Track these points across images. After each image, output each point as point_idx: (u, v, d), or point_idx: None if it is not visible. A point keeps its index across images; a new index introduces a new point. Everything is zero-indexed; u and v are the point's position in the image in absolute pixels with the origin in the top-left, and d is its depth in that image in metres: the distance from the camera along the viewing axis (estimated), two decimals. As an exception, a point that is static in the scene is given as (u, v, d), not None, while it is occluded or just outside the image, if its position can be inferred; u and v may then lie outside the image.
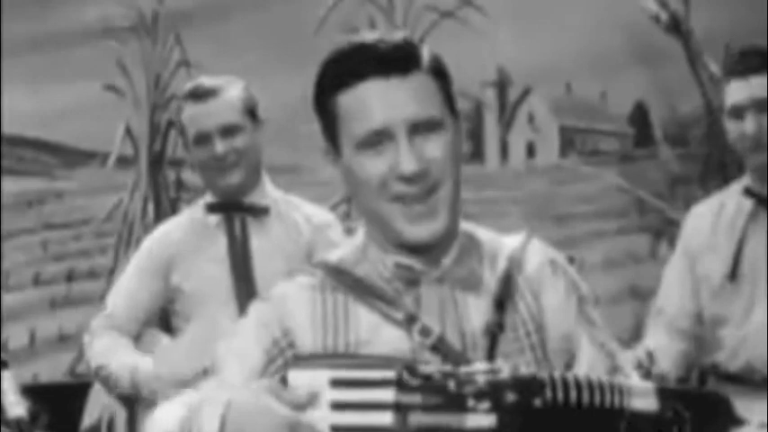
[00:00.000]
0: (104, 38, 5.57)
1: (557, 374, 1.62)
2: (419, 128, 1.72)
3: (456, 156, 1.76)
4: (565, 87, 5.47)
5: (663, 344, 3.24)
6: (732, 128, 3.13)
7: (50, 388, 4.97)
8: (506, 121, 5.40)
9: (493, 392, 1.57)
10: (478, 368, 1.61)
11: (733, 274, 3.17)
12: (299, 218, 3.34)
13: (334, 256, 1.84)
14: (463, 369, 1.61)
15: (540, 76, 5.38)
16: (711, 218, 3.27)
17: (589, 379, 1.63)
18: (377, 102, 1.70)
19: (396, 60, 1.71)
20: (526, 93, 5.46)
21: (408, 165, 1.69)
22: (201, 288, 3.28)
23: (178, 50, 5.62)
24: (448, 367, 1.62)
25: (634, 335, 4.87)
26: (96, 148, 5.71)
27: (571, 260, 5.11)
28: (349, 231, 3.30)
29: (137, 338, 3.35)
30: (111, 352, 3.26)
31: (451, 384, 1.58)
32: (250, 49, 5.31)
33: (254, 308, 1.83)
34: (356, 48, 1.73)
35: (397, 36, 1.75)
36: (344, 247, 1.86)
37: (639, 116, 5.38)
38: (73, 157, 5.76)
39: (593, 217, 5.39)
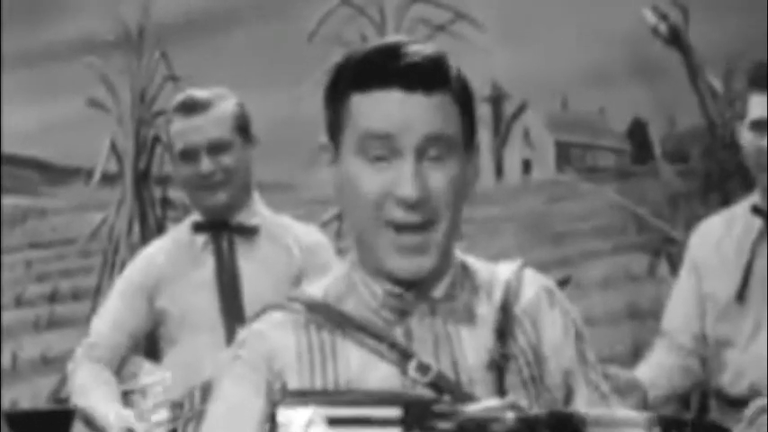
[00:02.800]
0: (88, 52, 5.50)
1: (591, 411, 1.53)
2: (429, 151, 1.60)
3: (462, 190, 1.62)
4: (561, 102, 5.46)
5: (660, 360, 3.17)
6: (750, 141, 3.04)
7: (32, 415, 4.87)
8: (501, 137, 5.39)
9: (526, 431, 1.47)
10: (495, 405, 1.50)
11: (740, 295, 3.10)
12: (289, 239, 3.22)
13: (317, 288, 1.71)
14: (473, 407, 1.50)
15: (535, 90, 5.37)
16: (719, 235, 3.19)
17: (619, 415, 1.54)
18: (393, 110, 1.59)
19: (423, 75, 1.59)
20: (521, 108, 5.45)
21: (410, 189, 1.57)
22: (188, 312, 3.16)
23: (164, 65, 5.55)
24: (457, 404, 1.51)
25: (632, 355, 4.85)
26: (80, 164, 5.68)
27: (566, 281, 5.01)
28: (340, 251, 3.19)
29: (121, 364, 3.24)
30: (89, 391, 3.14)
31: (470, 424, 1.46)
32: (238, 63, 5.27)
33: (236, 358, 1.68)
34: (385, 51, 1.61)
35: (430, 49, 1.62)
36: (330, 275, 1.73)
37: (638, 131, 5.37)
38: (56, 174, 5.72)
39: (590, 235, 5.38)
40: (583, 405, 1.68)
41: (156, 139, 5.46)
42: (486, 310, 1.67)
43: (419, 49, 1.59)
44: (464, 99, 1.63)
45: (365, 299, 1.65)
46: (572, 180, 5.45)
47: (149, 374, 3.20)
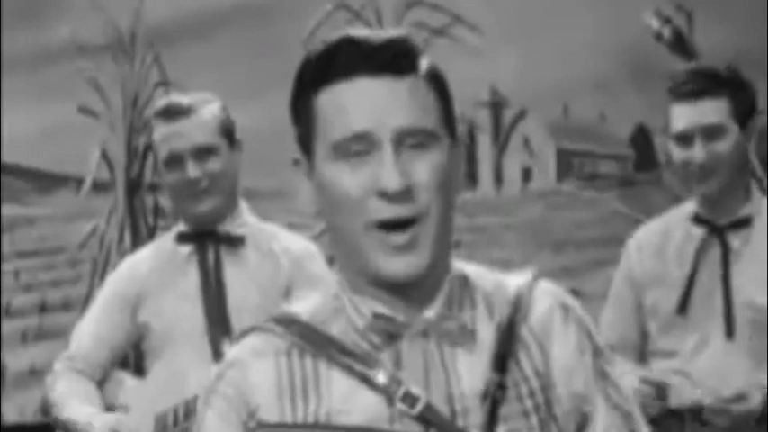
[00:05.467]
0: (79, 57, 5.43)
1: None
2: (408, 140, 1.48)
3: (448, 183, 1.51)
4: (562, 108, 5.40)
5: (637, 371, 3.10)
6: (678, 154, 3.03)
7: (19, 428, 4.80)
8: (501, 145, 5.35)
9: None
10: None
11: (682, 306, 3.06)
12: (277, 249, 3.15)
13: (304, 308, 1.59)
14: None
15: (536, 96, 5.31)
16: (657, 245, 3.16)
17: None
18: (362, 102, 1.47)
19: (389, 57, 1.48)
20: (521, 114, 5.39)
21: (392, 180, 1.45)
22: (172, 324, 3.11)
23: (156, 70, 5.48)
24: None
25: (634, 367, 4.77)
26: (70, 172, 5.60)
27: (575, 293, 4.90)
28: (332, 261, 3.09)
29: (102, 379, 3.16)
30: (68, 403, 3.08)
31: None
32: (232, 68, 5.20)
33: (215, 392, 1.57)
34: (343, 41, 1.50)
35: (393, 32, 1.52)
36: (319, 293, 1.61)
37: (641, 138, 5.31)
38: (46, 182, 5.66)
39: (592, 244, 5.30)
40: (602, 428, 1.57)
41: (149, 147, 5.39)
42: (487, 330, 1.54)
43: (380, 33, 1.50)
44: (438, 84, 1.52)
45: (352, 321, 1.53)
46: (574, 188, 5.37)
47: (132, 390, 3.13)
